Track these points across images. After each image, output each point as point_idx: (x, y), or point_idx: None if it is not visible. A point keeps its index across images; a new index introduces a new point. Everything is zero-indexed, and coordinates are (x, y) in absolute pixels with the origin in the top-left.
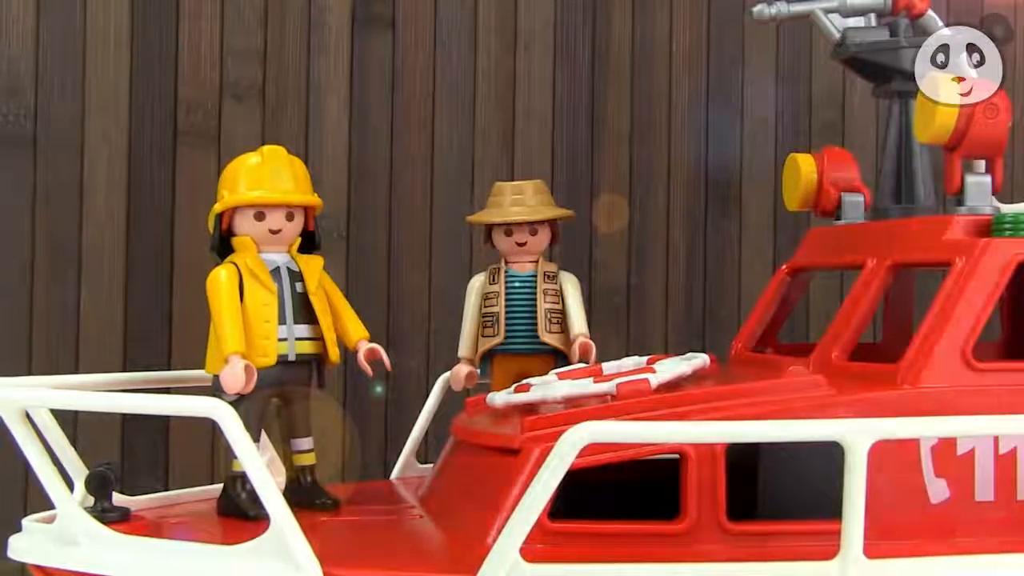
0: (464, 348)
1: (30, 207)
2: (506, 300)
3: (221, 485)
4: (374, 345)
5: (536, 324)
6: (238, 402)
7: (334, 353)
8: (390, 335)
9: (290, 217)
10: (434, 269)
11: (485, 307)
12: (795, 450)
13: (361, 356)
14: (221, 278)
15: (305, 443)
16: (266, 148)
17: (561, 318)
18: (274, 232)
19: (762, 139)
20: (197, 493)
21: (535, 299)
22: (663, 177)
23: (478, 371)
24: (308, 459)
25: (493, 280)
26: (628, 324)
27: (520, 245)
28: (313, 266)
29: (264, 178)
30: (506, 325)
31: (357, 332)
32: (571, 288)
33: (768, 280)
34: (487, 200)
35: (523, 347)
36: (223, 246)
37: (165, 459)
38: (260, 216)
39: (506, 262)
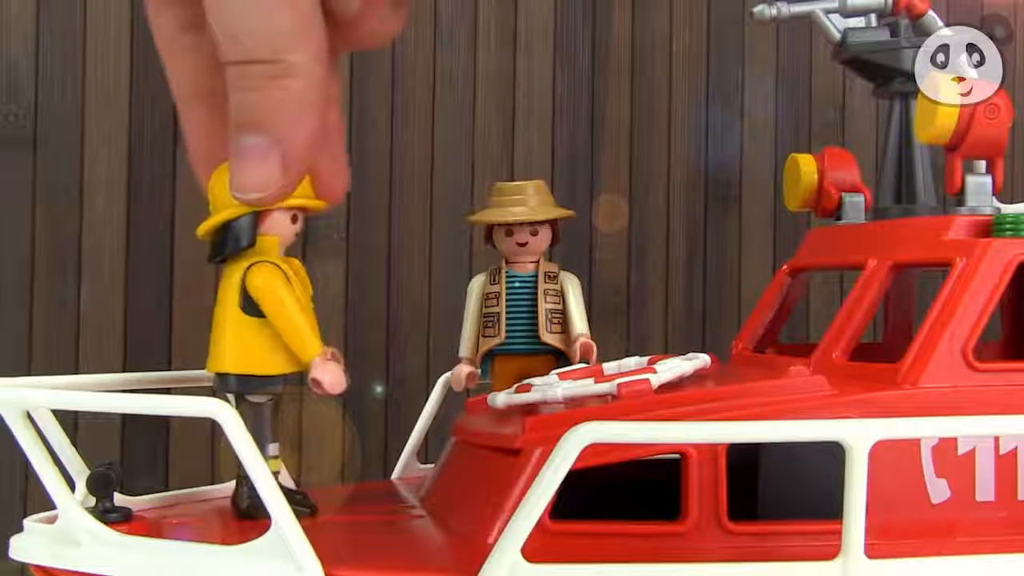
0: (465, 348)
1: (30, 207)
2: (507, 300)
3: (222, 485)
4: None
5: (537, 324)
6: (263, 402)
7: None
8: (390, 335)
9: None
10: (434, 269)
11: (486, 307)
12: (796, 450)
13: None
14: (281, 278)
15: (276, 448)
16: None
17: (562, 318)
18: (297, 235)
19: (762, 139)
20: (197, 493)
21: (536, 299)
22: (663, 177)
23: (479, 371)
24: (277, 464)
25: (494, 280)
26: (628, 324)
27: (521, 245)
28: (299, 266)
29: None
30: (507, 325)
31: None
32: (572, 288)
33: (768, 280)
34: (487, 200)
35: (524, 347)
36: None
37: (165, 459)
38: (295, 218)
39: (507, 262)
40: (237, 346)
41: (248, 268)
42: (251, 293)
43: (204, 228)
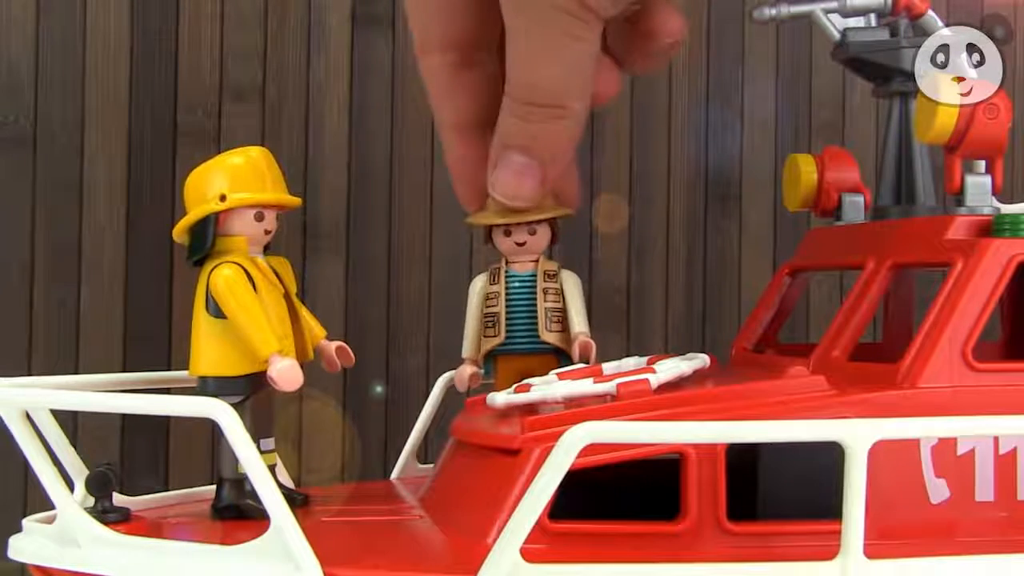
0: (468, 349)
1: (30, 207)
2: (507, 300)
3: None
4: (341, 343)
5: (537, 323)
6: (240, 404)
7: (311, 352)
8: (390, 335)
9: (279, 218)
10: (434, 269)
11: (486, 307)
12: (796, 450)
13: (332, 351)
14: (239, 278)
15: (272, 442)
16: (256, 149)
17: (562, 317)
18: (267, 232)
19: (762, 139)
20: (197, 493)
21: (535, 299)
22: (663, 177)
23: (482, 372)
24: (273, 458)
25: (494, 280)
26: (628, 324)
27: (520, 245)
28: (286, 267)
29: (266, 178)
30: (507, 325)
31: (320, 330)
32: (572, 287)
33: (768, 280)
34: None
35: (524, 347)
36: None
37: (165, 459)
38: (260, 216)
39: (507, 262)
40: (208, 348)
41: (212, 270)
42: (212, 294)
43: (176, 231)
